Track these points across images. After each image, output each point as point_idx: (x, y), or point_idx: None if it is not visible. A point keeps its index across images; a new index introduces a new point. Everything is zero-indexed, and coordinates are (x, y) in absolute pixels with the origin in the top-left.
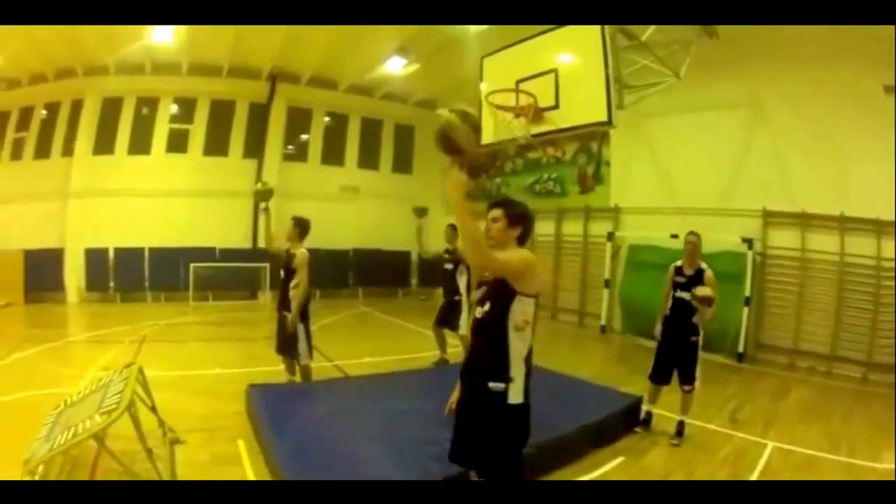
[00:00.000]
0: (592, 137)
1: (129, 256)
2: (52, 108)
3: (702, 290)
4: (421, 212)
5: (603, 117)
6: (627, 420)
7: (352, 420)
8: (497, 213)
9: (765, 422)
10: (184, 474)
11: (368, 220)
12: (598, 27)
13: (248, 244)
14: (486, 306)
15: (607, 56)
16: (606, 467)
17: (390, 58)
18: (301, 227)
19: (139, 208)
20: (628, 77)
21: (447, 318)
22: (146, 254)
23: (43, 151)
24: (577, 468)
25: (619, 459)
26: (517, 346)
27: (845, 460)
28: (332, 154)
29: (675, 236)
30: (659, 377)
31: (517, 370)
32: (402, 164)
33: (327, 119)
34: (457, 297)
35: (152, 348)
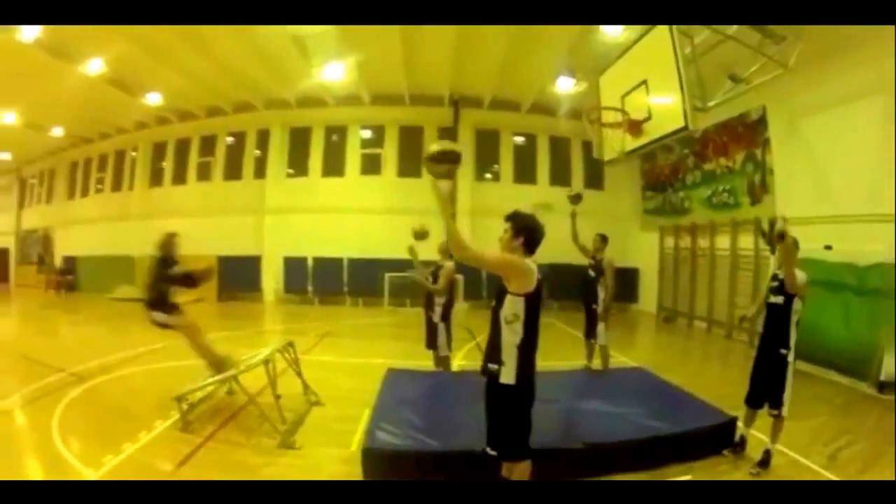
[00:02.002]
0: (756, 144)
1: (328, 264)
2: (238, 136)
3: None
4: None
5: (681, 123)
6: (714, 440)
7: (446, 402)
8: (506, 225)
9: (864, 465)
10: (309, 422)
11: (563, 235)
12: (666, 30)
13: None
14: (493, 302)
15: (678, 59)
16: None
17: (558, 78)
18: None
19: (336, 223)
20: (753, 76)
21: (588, 327)
22: (345, 263)
23: (233, 173)
24: (634, 476)
25: (685, 477)
26: (507, 336)
27: None
28: (524, 172)
29: (828, 247)
30: (750, 399)
31: (508, 356)
32: (594, 180)
33: (519, 139)
34: (594, 306)
35: (334, 341)
